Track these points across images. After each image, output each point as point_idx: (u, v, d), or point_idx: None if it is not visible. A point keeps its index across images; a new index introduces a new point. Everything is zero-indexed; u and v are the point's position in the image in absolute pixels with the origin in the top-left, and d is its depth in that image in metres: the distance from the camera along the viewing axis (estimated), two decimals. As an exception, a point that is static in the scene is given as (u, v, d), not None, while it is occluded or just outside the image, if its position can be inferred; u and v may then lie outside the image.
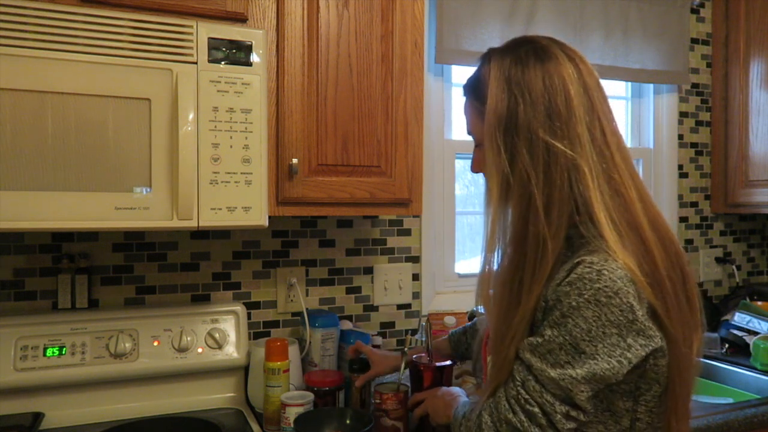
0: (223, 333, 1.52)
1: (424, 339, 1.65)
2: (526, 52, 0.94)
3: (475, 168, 1.06)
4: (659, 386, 0.88)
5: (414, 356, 1.37)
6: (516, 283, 0.90)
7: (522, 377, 0.87)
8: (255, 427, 1.38)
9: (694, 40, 2.32)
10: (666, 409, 0.89)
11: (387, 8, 1.44)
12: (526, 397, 0.85)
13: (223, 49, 1.22)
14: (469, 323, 1.46)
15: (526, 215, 0.90)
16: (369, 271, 1.82)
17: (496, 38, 1.88)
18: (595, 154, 0.90)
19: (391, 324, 1.85)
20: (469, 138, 1.05)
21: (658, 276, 0.86)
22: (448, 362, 1.37)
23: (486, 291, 0.97)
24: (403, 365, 1.38)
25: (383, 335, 1.79)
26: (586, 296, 0.82)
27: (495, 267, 0.96)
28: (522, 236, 0.91)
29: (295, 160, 1.34)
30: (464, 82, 1.05)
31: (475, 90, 1.01)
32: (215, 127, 1.22)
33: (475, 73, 1.02)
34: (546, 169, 0.89)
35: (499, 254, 0.95)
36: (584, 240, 0.88)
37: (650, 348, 0.83)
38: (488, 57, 0.99)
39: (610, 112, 0.95)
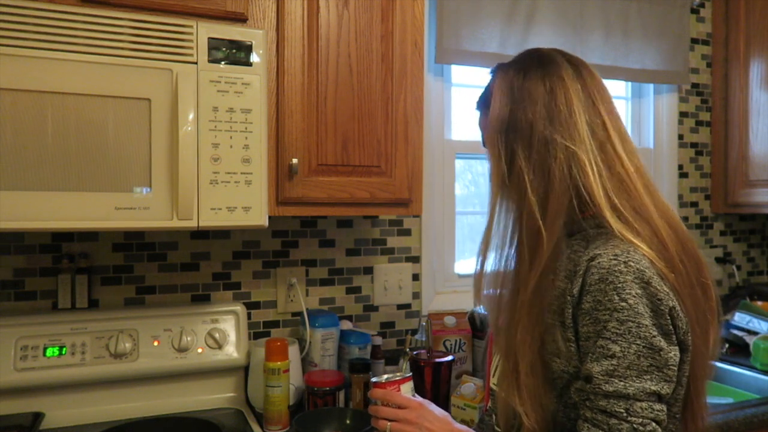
0: (223, 333, 1.52)
1: (424, 339, 1.66)
2: (530, 61, 0.96)
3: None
4: (681, 388, 0.86)
5: (414, 352, 1.38)
6: (516, 276, 0.91)
7: (624, 408, 0.79)
8: (255, 427, 1.37)
9: (694, 40, 2.32)
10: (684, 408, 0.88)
11: (387, 8, 1.44)
12: (640, 421, 0.78)
13: (223, 49, 1.22)
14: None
15: (520, 210, 0.90)
16: (369, 271, 1.82)
17: (496, 38, 1.88)
18: (596, 148, 0.90)
19: (391, 324, 1.85)
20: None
21: (675, 264, 0.84)
22: (449, 357, 1.37)
23: (481, 290, 0.97)
24: (404, 363, 1.38)
25: (383, 335, 1.79)
26: (632, 292, 0.79)
27: (489, 268, 0.96)
28: (518, 231, 0.91)
29: (295, 160, 1.34)
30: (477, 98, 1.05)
31: (484, 103, 1.02)
32: (215, 127, 1.22)
33: (485, 89, 1.03)
34: (543, 163, 0.89)
35: (499, 254, 0.95)
36: (599, 231, 0.88)
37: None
38: (495, 71, 1.01)
39: (613, 111, 0.95)
